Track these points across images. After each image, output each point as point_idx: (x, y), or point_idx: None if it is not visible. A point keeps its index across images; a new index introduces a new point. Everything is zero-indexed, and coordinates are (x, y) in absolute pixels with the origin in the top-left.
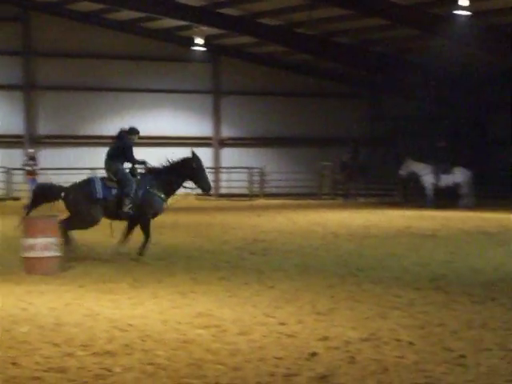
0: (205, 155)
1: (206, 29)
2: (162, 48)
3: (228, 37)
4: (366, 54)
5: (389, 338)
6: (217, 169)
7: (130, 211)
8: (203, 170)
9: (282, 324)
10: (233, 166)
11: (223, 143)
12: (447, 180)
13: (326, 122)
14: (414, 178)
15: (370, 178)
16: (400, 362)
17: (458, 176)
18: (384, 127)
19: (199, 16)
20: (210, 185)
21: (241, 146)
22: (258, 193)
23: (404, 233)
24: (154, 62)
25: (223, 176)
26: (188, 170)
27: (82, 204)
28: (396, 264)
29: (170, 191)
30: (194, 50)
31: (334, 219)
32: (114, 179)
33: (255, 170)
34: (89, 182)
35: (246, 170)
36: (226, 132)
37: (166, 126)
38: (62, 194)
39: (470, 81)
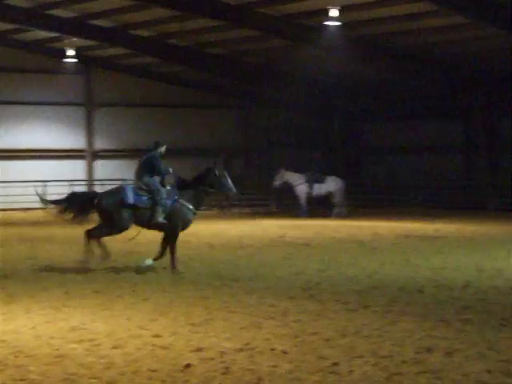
0: (78, 167)
1: (77, 40)
2: (34, 60)
3: (100, 48)
4: (238, 65)
5: (263, 347)
6: (90, 181)
7: (164, 220)
8: (225, 177)
9: (157, 336)
10: (107, 178)
11: (96, 155)
12: (320, 189)
13: (200, 133)
14: (288, 188)
15: (244, 188)
16: (274, 371)
17: (331, 185)
18: (258, 137)
19: (70, 28)
20: (233, 189)
21: (115, 158)
22: None
23: (278, 242)
24: (25, 74)
25: (97, 188)
26: (210, 177)
27: (114, 209)
28: (270, 274)
29: (197, 202)
30: (66, 62)
31: (209, 230)
32: (145, 188)
33: (129, 182)
34: (121, 189)
35: (120, 182)
36: (100, 144)
37: (39, 138)
38: (95, 201)
39: (343, 90)
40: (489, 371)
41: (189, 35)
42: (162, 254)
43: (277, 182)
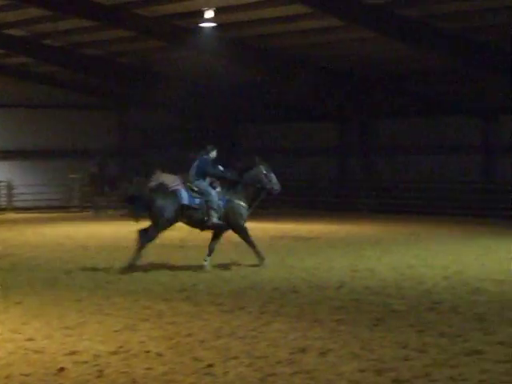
0: None
1: None
2: None
3: None
4: (114, 66)
5: (138, 350)
6: None
7: (219, 221)
8: (271, 172)
9: (30, 340)
10: None
11: None
12: None
13: (75, 134)
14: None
15: (120, 189)
16: (149, 373)
17: None
18: (133, 138)
19: None
20: (278, 185)
21: None
22: (5, 207)
23: (154, 244)
24: None
25: None
26: (258, 173)
27: (167, 210)
28: (146, 275)
29: (251, 200)
30: None
31: (84, 232)
32: (196, 190)
33: (2, 184)
34: (175, 191)
35: None
36: None
37: None
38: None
39: (219, 92)
40: (361, 370)
41: (63, 35)
42: (212, 250)
43: (152, 184)
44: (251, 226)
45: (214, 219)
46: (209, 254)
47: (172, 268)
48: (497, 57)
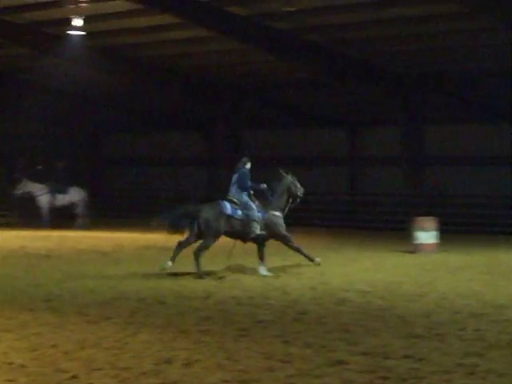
0: None
1: None
2: None
3: None
4: None
5: (0, 361)
6: None
7: (262, 232)
8: (296, 180)
9: None
10: None
11: None
12: (63, 200)
13: None
14: (30, 198)
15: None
16: None
17: (74, 195)
18: (1, 146)
19: None
20: (303, 189)
21: None
22: None
23: (18, 253)
24: None
25: None
26: (287, 182)
27: (213, 219)
28: (9, 285)
29: (282, 209)
30: None
31: None
32: (238, 203)
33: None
34: (218, 203)
35: None
36: None
37: None
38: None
39: (88, 101)
40: (226, 381)
41: None
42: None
43: (18, 192)
44: (120, 236)
45: (257, 230)
46: (261, 261)
47: (36, 278)
48: (364, 70)
